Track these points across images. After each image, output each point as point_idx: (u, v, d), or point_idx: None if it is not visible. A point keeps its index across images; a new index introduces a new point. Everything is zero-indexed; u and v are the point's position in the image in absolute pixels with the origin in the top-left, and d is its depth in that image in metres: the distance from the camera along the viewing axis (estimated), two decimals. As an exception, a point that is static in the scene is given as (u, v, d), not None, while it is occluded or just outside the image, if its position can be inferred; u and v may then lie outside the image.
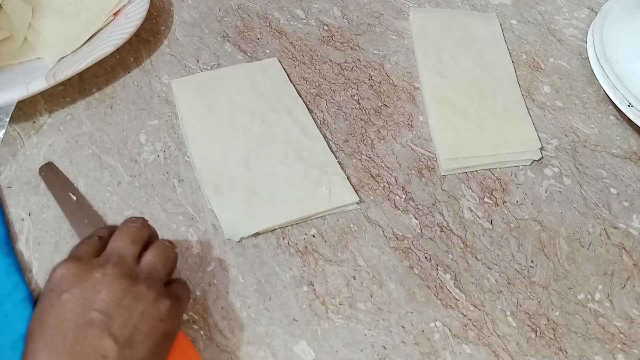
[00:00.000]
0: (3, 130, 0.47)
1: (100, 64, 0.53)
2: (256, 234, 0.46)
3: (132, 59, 0.55)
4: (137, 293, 0.34)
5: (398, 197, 0.49)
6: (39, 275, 0.42)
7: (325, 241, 0.46)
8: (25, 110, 0.50)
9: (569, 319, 0.44)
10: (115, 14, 0.55)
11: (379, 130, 0.53)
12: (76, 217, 0.44)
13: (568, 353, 0.42)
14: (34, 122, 0.50)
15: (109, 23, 0.55)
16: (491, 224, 0.48)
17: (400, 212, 0.48)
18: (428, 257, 0.46)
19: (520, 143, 0.52)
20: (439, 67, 0.57)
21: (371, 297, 0.44)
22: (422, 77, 0.56)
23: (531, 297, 0.45)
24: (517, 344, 0.43)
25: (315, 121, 0.52)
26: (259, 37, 0.58)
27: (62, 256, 0.43)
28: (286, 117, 0.51)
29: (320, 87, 0.55)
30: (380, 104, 0.54)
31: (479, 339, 0.43)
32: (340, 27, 0.60)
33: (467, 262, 0.46)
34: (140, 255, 0.37)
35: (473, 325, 0.43)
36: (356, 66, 0.57)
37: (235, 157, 0.48)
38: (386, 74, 0.57)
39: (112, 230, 0.38)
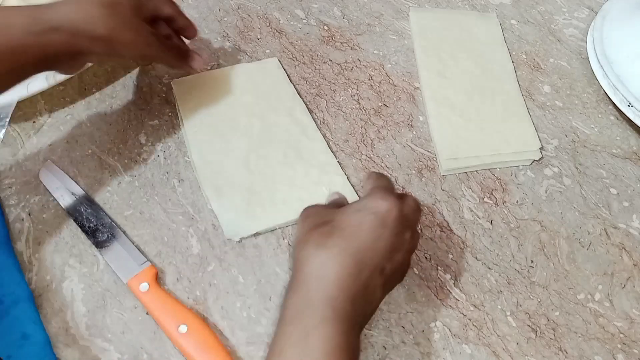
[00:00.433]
0: (3, 130, 0.47)
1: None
2: (256, 234, 0.46)
3: (132, 59, 0.56)
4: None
5: (398, 197, 0.49)
6: (39, 275, 0.42)
7: (325, 241, 0.46)
8: (25, 110, 0.50)
9: (569, 319, 0.44)
10: (115, 14, 0.55)
11: (379, 130, 0.53)
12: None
13: (568, 353, 0.42)
14: (34, 122, 0.50)
15: (109, 23, 0.55)
16: (491, 224, 0.48)
17: (400, 212, 0.48)
18: (428, 257, 0.46)
19: (520, 143, 0.52)
20: (439, 67, 0.57)
21: (371, 297, 0.44)
22: (422, 77, 0.56)
23: (531, 297, 0.45)
24: (517, 344, 0.43)
25: (315, 121, 0.52)
26: (259, 37, 0.58)
27: (62, 256, 0.43)
28: (286, 117, 0.51)
29: (320, 87, 0.55)
30: (380, 104, 0.54)
31: (479, 339, 0.43)
32: (340, 27, 0.60)
33: (467, 262, 0.46)
34: None
35: (473, 325, 0.43)
36: (356, 66, 0.57)
37: (235, 157, 0.48)
38: (386, 74, 0.57)
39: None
